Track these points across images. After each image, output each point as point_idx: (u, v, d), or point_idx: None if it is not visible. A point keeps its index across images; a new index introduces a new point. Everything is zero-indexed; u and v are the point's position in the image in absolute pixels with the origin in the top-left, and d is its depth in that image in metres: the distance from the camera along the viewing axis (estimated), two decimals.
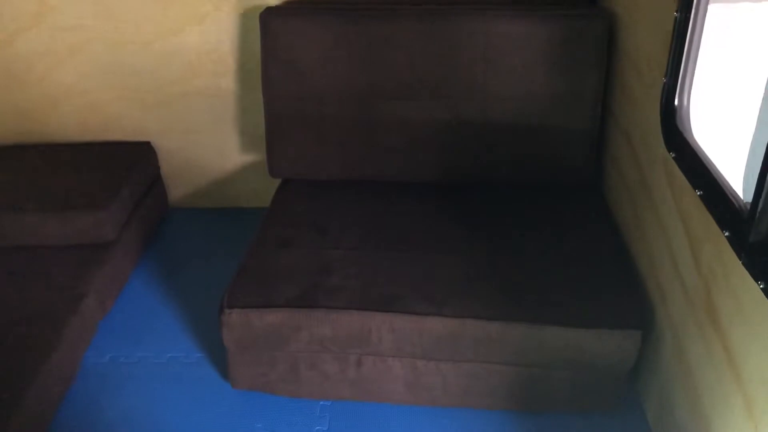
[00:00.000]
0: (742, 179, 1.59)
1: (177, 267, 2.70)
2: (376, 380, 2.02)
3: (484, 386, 2.00)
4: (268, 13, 2.37)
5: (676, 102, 1.78)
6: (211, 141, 2.86)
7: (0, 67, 2.70)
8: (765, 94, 1.57)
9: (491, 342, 1.88)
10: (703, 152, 1.65)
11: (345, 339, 1.92)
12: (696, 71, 1.73)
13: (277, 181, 2.56)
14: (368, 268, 2.04)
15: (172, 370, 2.23)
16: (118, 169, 2.62)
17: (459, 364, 1.97)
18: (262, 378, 2.06)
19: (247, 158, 2.91)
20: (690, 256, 1.72)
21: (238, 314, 1.92)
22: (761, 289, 1.31)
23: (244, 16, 2.57)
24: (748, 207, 1.37)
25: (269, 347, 1.98)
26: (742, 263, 1.39)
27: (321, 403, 2.10)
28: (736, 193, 1.49)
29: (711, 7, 1.66)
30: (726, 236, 1.46)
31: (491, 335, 1.88)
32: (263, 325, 1.92)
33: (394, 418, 2.05)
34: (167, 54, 2.66)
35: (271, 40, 2.36)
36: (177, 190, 3.00)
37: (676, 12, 1.71)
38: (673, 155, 1.77)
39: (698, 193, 1.60)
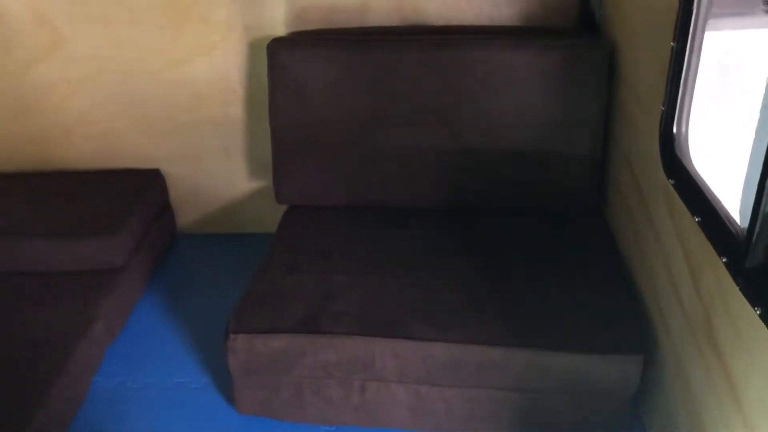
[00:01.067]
0: (739, 205, 1.61)
1: (184, 292, 2.73)
2: (379, 406, 2.03)
3: (488, 411, 2.00)
4: (276, 43, 2.43)
5: (674, 129, 1.80)
6: (219, 168, 2.90)
7: (15, 97, 2.76)
8: (759, 121, 1.60)
9: (494, 368, 1.90)
10: (701, 179, 1.67)
11: (348, 364, 1.94)
12: (693, 99, 1.76)
13: (284, 207, 2.60)
14: (372, 293, 2.06)
15: (178, 396, 2.24)
16: (128, 196, 2.66)
17: (462, 389, 1.97)
18: (268, 403, 2.08)
19: (255, 185, 2.95)
20: (690, 281, 1.73)
21: (243, 339, 1.94)
22: (758, 315, 1.32)
23: (252, 47, 2.63)
24: (745, 233, 1.39)
25: (274, 372, 2.00)
26: (740, 289, 1.40)
27: (324, 428, 2.10)
28: (734, 219, 1.51)
29: (707, 35, 1.69)
30: (724, 262, 1.47)
31: (494, 361, 1.89)
32: (268, 350, 1.94)
33: None
34: (177, 83, 2.71)
35: (279, 70, 2.41)
36: (185, 216, 3.04)
37: (673, 42, 1.74)
38: (672, 182, 1.79)
39: (697, 220, 1.62)
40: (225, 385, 2.22)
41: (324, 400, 2.04)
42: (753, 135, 1.61)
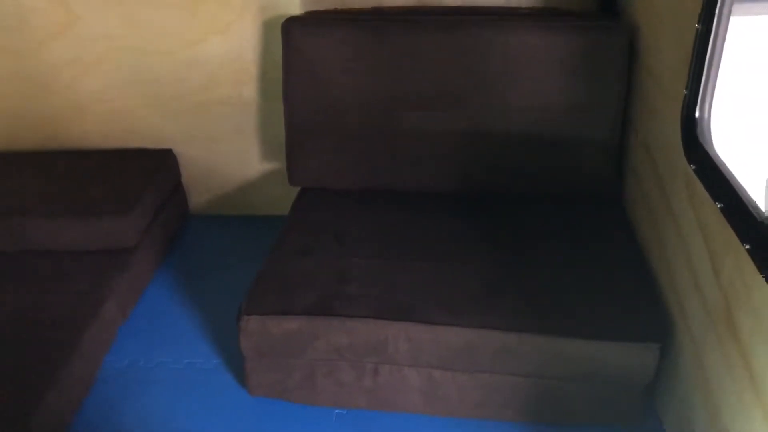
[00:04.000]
0: (764, 192, 1.57)
1: (196, 273, 2.72)
2: (391, 390, 2.02)
3: (501, 398, 1.99)
4: (291, 22, 2.40)
5: (696, 114, 1.77)
6: (232, 149, 2.89)
7: (27, 75, 2.75)
8: None
9: (508, 353, 1.88)
10: (724, 165, 1.64)
11: (361, 348, 1.93)
12: (717, 83, 1.72)
13: (297, 190, 2.58)
14: (386, 277, 2.04)
15: (189, 376, 2.24)
16: (140, 176, 2.65)
17: (476, 374, 1.96)
18: (279, 385, 2.07)
19: (268, 166, 2.93)
20: (710, 270, 1.70)
21: (256, 321, 1.93)
22: None
23: (267, 26, 2.60)
24: None
25: (286, 354, 1.99)
26: (764, 277, 1.37)
27: (336, 411, 2.10)
28: (758, 206, 1.48)
29: (733, 19, 1.65)
30: (747, 249, 1.45)
31: (509, 346, 1.87)
32: (281, 332, 1.93)
33: (410, 428, 2.04)
34: (190, 63, 2.69)
35: (293, 50, 2.38)
36: (198, 197, 3.03)
37: (698, 24, 1.70)
38: (694, 167, 1.75)
39: (719, 206, 1.59)
40: (236, 367, 2.22)
41: (336, 383, 2.03)
42: None
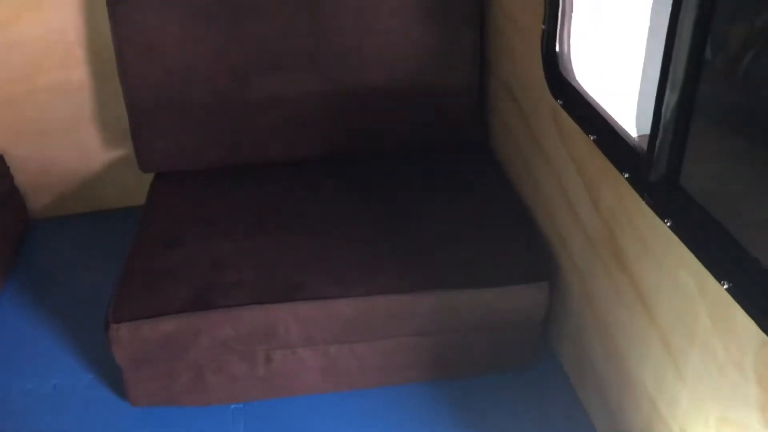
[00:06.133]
0: (634, 118, 1.59)
1: (49, 283, 2.44)
2: (288, 374, 1.91)
3: (402, 361, 1.94)
4: None
5: (557, 48, 1.76)
6: (68, 141, 2.60)
7: None
8: (650, 25, 1.57)
9: (403, 315, 1.83)
10: (591, 97, 1.64)
11: (250, 336, 1.80)
12: (574, 15, 1.71)
13: (150, 176, 2.36)
14: (263, 257, 1.91)
15: (60, 399, 2.01)
16: None
17: (373, 342, 1.89)
18: (165, 391, 1.90)
19: (113, 155, 2.67)
20: (588, 201, 1.72)
21: (127, 328, 1.75)
22: (668, 226, 1.31)
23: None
24: (645, 146, 1.36)
25: (168, 358, 1.82)
26: (646, 203, 1.38)
27: (233, 407, 1.96)
28: (630, 135, 1.49)
29: None
30: (626, 178, 1.45)
31: (402, 308, 1.82)
32: (157, 335, 1.76)
33: (313, 409, 1.95)
34: (4, 48, 2.37)
35: (123, 22, 2.13)
36: (37, 200, 2.71)
37: None
38: (560, 102, 1.75)
39: (592, 138, 1.59)
40: (113, 379, 2.01)
41: (227, 378, 1.89)
42: (643, 45, 1.58)
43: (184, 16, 2.15)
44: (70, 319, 2.27)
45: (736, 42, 1.23)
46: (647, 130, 1.34)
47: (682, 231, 1.28)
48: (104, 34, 2.29)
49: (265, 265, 1.88)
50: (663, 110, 1.27)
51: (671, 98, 1.25)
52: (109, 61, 2.29)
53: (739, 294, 1.13)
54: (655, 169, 1.34)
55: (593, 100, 1.62)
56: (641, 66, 1.63)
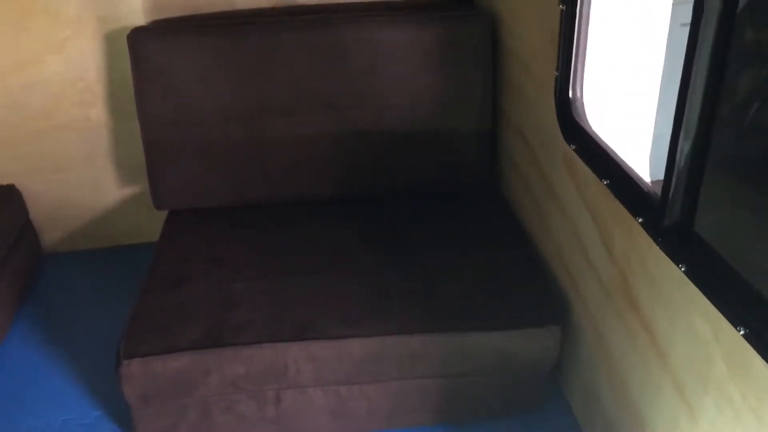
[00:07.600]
0: (648, 163, 1.61)
1: (60, 319, 2.45)
2: (297, 415, 1.90)
3: (411, 403, 1.92)
4: (137, 33, 2.20)
5: (570, 94, 1.78)
6: (83, 178, 2.64)
7: None
8: (663, 72, 1.59)
9: (414, 356, 1.81)
10: (604, 141, 1.66)
11: (260, 375, 1.79)
12: (586, 62, 1.74)
13: (162, 214, 2.38)
14: (275, 296, 1.92)
15: None
16: None
17: (383, 384, 1.88)
18: (172, 429, 1.89)
19: (127, 192, 2.70)
20: (601, 246, 1.72)
21: (138, 364, 1.74)
22: (683, 272, 1.31)
23: (109, 40, 2.38)
24: (659, 191, 1.37)
25: (177, 395, 1.81)
26: (660, 248, 1.39)
27: None
28: (644, 180, 1.50)
29: None
30: (640, 222, 1.46)
31: (414, 350, 1.81)
32: (168, 372, 1.75)
33: None
34: (26, 86, 2.42)
35: (143, 63, 2.18)
36: (51, 235, 2.74)
37: (562, 5, 1.71)
38: (574, 147, 1.77)
39: (605, 182, 1.60)
40: (121, 416, 2.01)
41: (236, 418, 1.88)
42: (657, 91, 1.60)
43: (202, 57, 2.20)
44: (80, 355, 2.27)
45: (744, 92, 1.25)
46: (661, 175, 1.35)
47: (696, 276, 1.28)
48: (123, 73, 2.34)
49: (277, 304, 1.88)
50: (677, 156, 1.28)
51: (685, 145, 1.26)
52: (125, 100, 2.34)
53: (755, 340, 1.12)
54: (669, 215, 1.35)
55: (606, 145, 1.64)
56: (654, 111, 1.65)
